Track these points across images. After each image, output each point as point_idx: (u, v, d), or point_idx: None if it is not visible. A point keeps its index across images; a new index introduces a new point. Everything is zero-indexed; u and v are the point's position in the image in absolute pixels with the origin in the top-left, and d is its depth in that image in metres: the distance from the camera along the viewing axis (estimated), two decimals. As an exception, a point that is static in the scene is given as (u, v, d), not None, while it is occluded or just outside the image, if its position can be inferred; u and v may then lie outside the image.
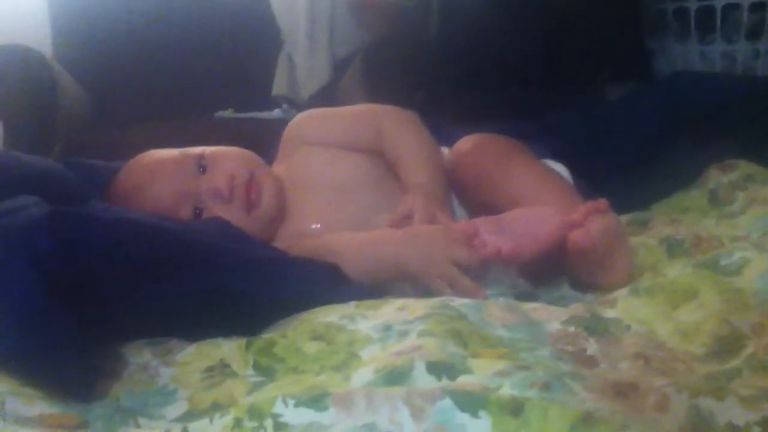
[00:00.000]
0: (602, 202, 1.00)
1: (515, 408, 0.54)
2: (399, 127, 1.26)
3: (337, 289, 0.93)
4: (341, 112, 1.34)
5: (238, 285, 0.87)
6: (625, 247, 1.04)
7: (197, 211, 1.14)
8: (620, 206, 1.26)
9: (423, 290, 0.97)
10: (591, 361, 0.72)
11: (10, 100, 2.02)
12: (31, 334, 0.74)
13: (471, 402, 0.55)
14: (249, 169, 1.17)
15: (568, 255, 0.99)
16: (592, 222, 0.97)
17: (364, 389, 0.59)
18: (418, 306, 0.79)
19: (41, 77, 2.06)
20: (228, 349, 0.79)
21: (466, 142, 1.23)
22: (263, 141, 1.44)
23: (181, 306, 0.84)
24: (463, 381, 0.61)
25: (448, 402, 0.55)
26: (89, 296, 0.78)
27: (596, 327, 0.77)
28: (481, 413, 0.54)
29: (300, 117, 1.32)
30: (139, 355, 0.80)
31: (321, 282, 0.93)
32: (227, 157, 1.18)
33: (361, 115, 1.31)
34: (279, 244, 1.11)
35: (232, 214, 1.12)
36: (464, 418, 0.54)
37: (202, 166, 1.16)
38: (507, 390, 0.58)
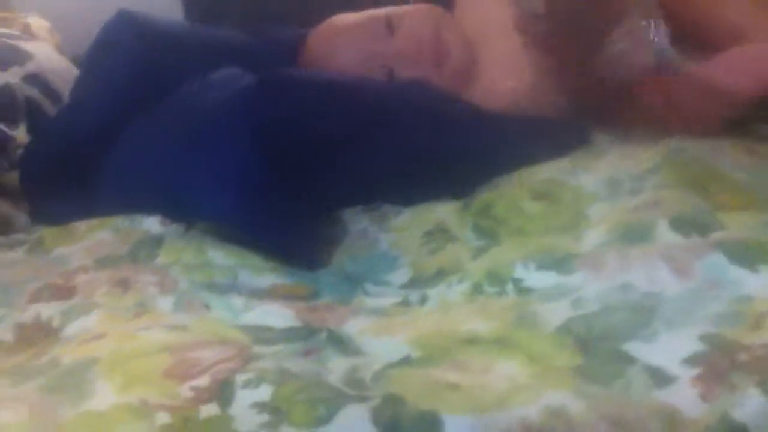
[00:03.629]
0: None
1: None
2: None
3: (546, 143, 0.89)
4: None
5: (444, 142, 0.85)
6: None
7: (389, 72, 1.13)
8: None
9: None
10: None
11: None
12: (255, 204, 0.75)
13: (748, 255, 0.50)
14: (435, 27, 1.14)
15: None
16: None
17: (614, 248, 0.55)
18: (644, 154, 0.73)
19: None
20: (444, 212, 0.77)
21: None
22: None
23: (392, 166, 0.83)
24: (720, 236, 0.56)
25: (719, 256, 0.50)
26: (304, 161, 0.78)
27: None
28: (761, 267, 0.49)
29: None
30: (357, 222, 0.80)
31: (527, 138, 0.89)
32: (414, 17, 1.15)
33: None
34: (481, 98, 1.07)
35: (425, 74, 1.10)
36: (740, 273, 0.50)
37: (389, 27, 1.14)
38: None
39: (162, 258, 0.75)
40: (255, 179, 0.73)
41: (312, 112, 0.78)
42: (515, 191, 0.75)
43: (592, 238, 0.63)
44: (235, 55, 1.07)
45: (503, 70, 1.12)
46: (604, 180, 0.71)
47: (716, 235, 0.56)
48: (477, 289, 0.55)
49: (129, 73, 0.95)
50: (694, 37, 1.05)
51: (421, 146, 0.83)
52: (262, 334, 0.59)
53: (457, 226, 0.75)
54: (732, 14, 1.00)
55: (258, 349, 0.56)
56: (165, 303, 0.67)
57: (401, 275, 0.72)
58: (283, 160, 0.74)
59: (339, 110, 0.80)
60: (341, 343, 0.57)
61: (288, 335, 0.59)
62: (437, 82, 1.08)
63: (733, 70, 0.92)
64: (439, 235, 0.75)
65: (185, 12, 2.35)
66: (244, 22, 1.86)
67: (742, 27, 0.99)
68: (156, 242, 0.77)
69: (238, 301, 0.67)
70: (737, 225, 0.57)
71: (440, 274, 0.69)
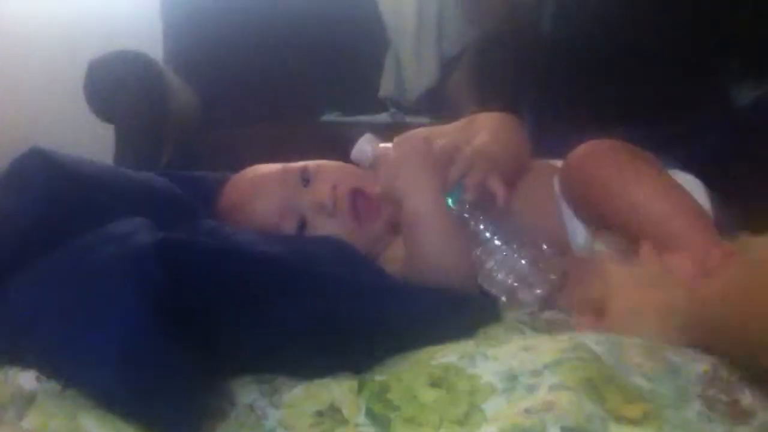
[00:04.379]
0: (728, 249, 0.91)
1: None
2: (488, 118, 1.21)
3: (455, 319, 0.89)
4: (444, 127, 1.28)
5: (347, 314, 0.83)
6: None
7: (301, 224, 1.13)
8: (756, 221, 1.17)
9: None
10: (746, 415, 0.64)
11: (121, 106, 2.05)
12: (139, 367, 0.71)
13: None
14: (352, 180, 1.16)
15: None
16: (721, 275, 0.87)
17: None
18: (545, 348, 0.71)
19: (153, 83, 2.08)
20: (338, 391, 0.74)
21: (582, 149, 1.12)
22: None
23: (290, 336, 0.80)
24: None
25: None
26: (197, 327, 0.75)
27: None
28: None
29: (406, 135, 1.27)
30: (246, 394, 0.76)
31: (438, 313, 0.88)
32: (330, 170, 1.17)
33: (459, 125, 1.26)
34: (389, 265, 1.07)
35: (337, 227, 1.13)
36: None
37: (305, 179, 1.16)
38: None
39: (29, 420, 0.70)
40: (139, 344, 0.70)
41: (207, 280, 0.76)
42: (413, 374, 0.73)
43: (486, 435, 0.61)
44: (149, 199, 1.06)
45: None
46: (503, 372, 0.70)
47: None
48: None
49: (35, 214, 0.92)
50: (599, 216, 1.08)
51: (319, 317, 0.81)
52: None
53: (350, 408, 0.72)
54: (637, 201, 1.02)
55: None
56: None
57: (286, 457, 0.68)
58: (171, 327, 0.70)
59: (235, 282, 0.78)
60: None
61: None
62: (355, 236, 1.08)
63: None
64: (331, 416, 0.72)
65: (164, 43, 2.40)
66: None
67: (645, 215, 1.00)
68: (27, 401, 0.72)
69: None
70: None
71: (325, 460, 0.65)
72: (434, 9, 2.39)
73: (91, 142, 1.95)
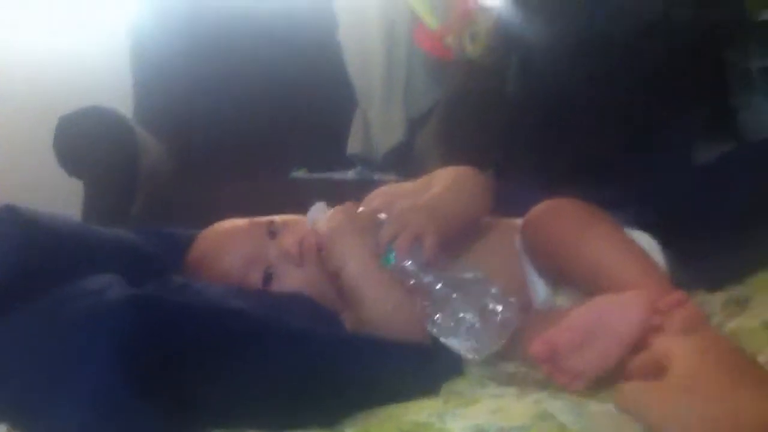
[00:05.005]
0: (681, 294, 0.94)
1: None
2: (445, 173, 1.24)
3: (420, 374, 0.91)
4: (406, 184, 1.31)
5: (317, 369, 0.85)
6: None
7: (268, 275, 1.15)
8: (711, 279, 1.20)
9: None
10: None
11: (91, 162, 2.06)
12: (109, 423, 0.72)
13: None
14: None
15: None
16: (673, 321, 0.91)
17: None
18: (513, 411, 0.74)
19: (122, 139, 2.10)
20: (308, 446, 0.76)
21: (541, 207, 1.17)
22: (338, 202, 1.43)
23: (260, 391, 0.82)
24: None
25: None
26: (168, 383, 0.76)
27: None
28: None
29: (375, 192, 1.30)
30: (217, 451, 0.78)
31: (404, 368, 0.90)
32: (297, 223, 1.19)
33: (421, 181, 1.29)
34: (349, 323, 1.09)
35: (304, 278, 1.14)
36: None
37: (271, 232, 1.18)
38: None
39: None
40: (110, 400, 0.71)
41: (178, 337, 0.78)
42: (384, 429, 0.75)
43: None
44: (120, 256, 1.07)
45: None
46: (472, 428, 0.72)
47: None
48: None
49: (6, 271, 0.93)
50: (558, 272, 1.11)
51: (289, 372, 0.83)
52: None
53: (319, 462, 0.73)
54: (593, 257, 1.06)
55: None
56: None
57: None
58: (142, 382, 0.72)
59: (205, 338, 0.80)
60: None
61: None
62: (322, 289, 1.10)
63: (607, 317, 0.95)
64: (300, 471, 0.73)
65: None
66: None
67: (601, 270, 1.04)
68: (-1, 455, 0.73)
69: None
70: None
71: None
72: (402, 69, 2.45)
73: (60, 197, 1.96)
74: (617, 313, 0.95)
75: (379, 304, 1.04)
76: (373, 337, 0.98)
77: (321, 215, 1.13)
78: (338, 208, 1.15)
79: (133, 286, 0.85)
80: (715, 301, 1.13)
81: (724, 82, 2.07)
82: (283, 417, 0.81)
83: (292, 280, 1.14)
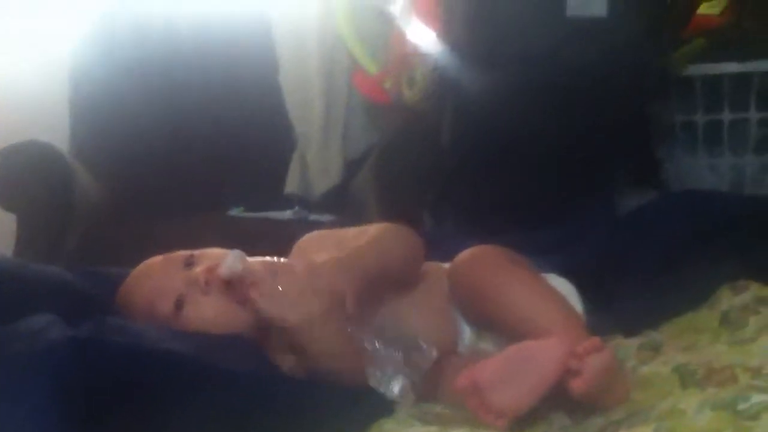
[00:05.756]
0: (596, 341, 1.00)
1: None
2: (374, 229, 1.26)
3: (352, 413, 0.94)
4: (346, 233, 1.33)
5: (254, 411, 0.88)
6: (622, 375, 1.05)
7: (179, 303, 1.15)
8: (627, 324, 1.26)
9: None
10: None
11: (25, 196, 2.05)
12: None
13: None
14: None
15: (567, 393, 0.99)
16: (589, 365, 0.97)
17: None
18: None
19: (57, 174, 2.10)
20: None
21: (464, 255, 1.21)
22: (274, 241, 1.45)
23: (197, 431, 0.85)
24: None
25: None
26: (107, 425, 0.78)
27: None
28: None
29: (308, 236, 1.33)
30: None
31: (337, 408, 0.94)
32: (215, 254, 1.20)
33: (354, 231, 1.31)
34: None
35: (213, 305, 1.14)
36: None
37: (189, 263, 1.18)
38: None
39: None
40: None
41: (117, 378, 0.80)
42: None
43: None
44: (59, 294, 1.08)
45: None
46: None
47: None
48: None
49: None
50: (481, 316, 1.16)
51: (226, 415, 0.86)
52: None
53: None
54: (512, 302, 1.11)
55: None
56: None
57: None
58: (82, 423, 0.74)
59: (145, 381, 0.82)
60: None
61: None
62: (232, 318, 1.13)
63: (527, 359, 1.00)
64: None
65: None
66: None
67: (520, 314, 1.09)
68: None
69: None
70: None
71: None
72: (341, 112, 2.50)
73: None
74: (538, 357, 1.00)
75: (329, 361, 1.07)
76: (309, 379, 1.00)
77: (237, 263, 1.13)
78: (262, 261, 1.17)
79: (70, 326, 0.86)
80: (630, 345, 1.18)
81: (649, 134, 2.17)
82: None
83: (200, 307, 1.14)
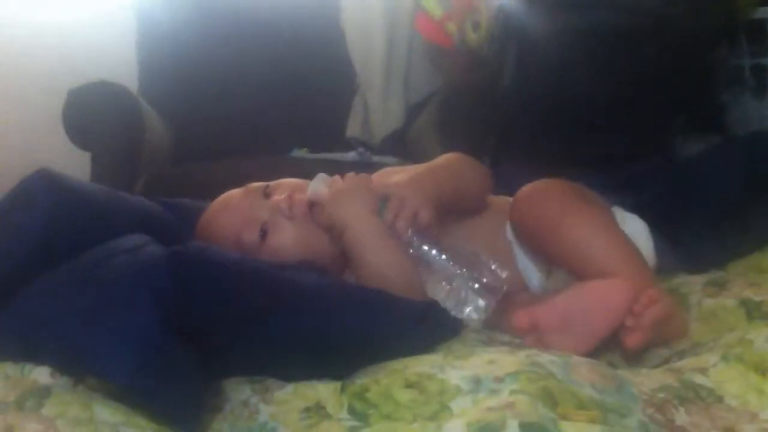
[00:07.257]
0: (654, 293, 0.99)
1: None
2: (443, 158, 1.26)
3: (422, 332, 0.98)
4: (419, 166, 1.34)
5: (333, 330, 0.93)
6: (680, 315, 1.05)
7: (263, 232, 1.16)
8: (693, 264, 1.28)
9: None
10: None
11: (98, 135, 2.12)
12: (152, 368, 0.79)
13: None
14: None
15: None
16: (646, 320, 0.97)
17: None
18: (507, 361, 0.82)
19: (129, 113, 2.16)
20: (324, 391, 0.83)
21: (528, 188, 1.18)
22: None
23: (280, 346, 0.90)
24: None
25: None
26: (201, 333, 0.84)
27: (687, 395, 0.79)
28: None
29: (383, 170, 1.35)
30: (240, 392, 0.85)
31: (408, 325, 0.97)
32: (290, 183, 1.22)
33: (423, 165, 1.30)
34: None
35: (296, 231, 1.16)
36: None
37: (266, 193, 1.20)
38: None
39: (48, 408, 0.78)
40: (154, 347, 0.78)
41: (212, 291, 0.85)
42: (390, 378, 0.83)
43: (454, 428, 0.71)
44: (145, 220, 1.14)
45: None
46: (469, 377, 0.80)
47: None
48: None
49: (41, 230, 0.99)
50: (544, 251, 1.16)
51: (308, 334, 0.90)
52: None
53: (333, 406, 0.81)
54: (576, 238, 1.09)
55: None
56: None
57: (278, 446, 0.77)
58: (182, 329, 0.79)
59: (237, 290, 0.87)
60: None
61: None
62: (314, 243, 1.15)
63: (589, 304, 1.01)
64: (316, 412, 0.81)
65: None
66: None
67: (583, 252, 1.08)
68: (44, 393, 0.80)
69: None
70: None
71: (314, 448, 0.74)
72: (402, 56, 2.51)
73: (68, 169, 2.01)
74: (601, 299, 1.00)
75: (381, 267, 1.08)
76: (377, 293, 1.02)
77: (322, 185, 1.16)
78: (344, 175, 1.20)
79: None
80: (696, 281, 1.20)
81: (712, 79, 2.15)
82: (300, 371, 0.88)
83: (285, 233, 1.16)
